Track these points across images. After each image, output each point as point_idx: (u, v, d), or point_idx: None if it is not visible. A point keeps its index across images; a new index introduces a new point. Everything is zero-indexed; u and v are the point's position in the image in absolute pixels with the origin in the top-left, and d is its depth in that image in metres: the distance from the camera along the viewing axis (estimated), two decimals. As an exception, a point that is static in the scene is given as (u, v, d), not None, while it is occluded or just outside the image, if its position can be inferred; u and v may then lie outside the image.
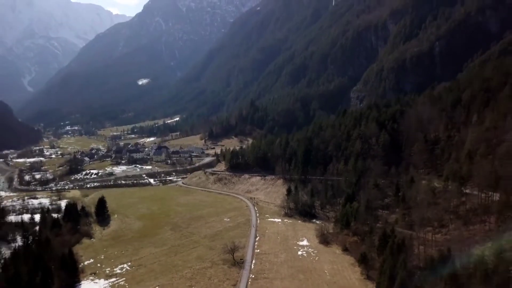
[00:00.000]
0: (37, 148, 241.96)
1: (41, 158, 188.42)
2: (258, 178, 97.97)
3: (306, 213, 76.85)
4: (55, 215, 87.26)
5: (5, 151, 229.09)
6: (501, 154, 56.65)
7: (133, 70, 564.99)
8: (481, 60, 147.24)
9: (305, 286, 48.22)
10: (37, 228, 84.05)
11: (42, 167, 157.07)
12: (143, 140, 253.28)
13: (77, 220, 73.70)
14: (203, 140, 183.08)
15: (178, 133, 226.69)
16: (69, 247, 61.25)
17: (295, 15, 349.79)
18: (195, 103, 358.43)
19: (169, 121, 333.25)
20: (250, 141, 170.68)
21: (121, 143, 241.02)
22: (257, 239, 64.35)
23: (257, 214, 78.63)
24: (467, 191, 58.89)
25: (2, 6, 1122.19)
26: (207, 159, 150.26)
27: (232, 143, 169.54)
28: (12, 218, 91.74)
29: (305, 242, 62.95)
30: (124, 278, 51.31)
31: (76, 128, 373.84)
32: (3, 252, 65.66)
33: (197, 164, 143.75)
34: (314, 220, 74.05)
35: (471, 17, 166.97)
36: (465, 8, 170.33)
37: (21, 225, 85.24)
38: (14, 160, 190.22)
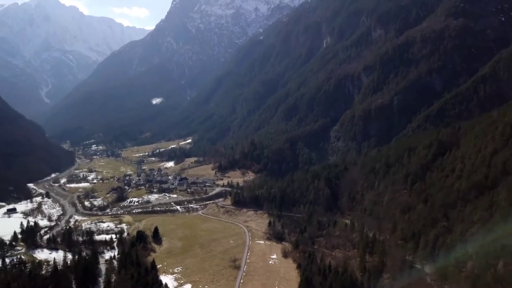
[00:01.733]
0: (78, 170, 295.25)
1: (87, 184, 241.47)
2: (252, 212, 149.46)
3: (279, 238, 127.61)
4: (126, 236, 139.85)
5: (53, 175, 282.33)
6: (375, 212, 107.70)
7: (147, 89, 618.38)
8: (424, 114, 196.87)
9: (269, 278, 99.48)
10: (115, 244, 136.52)
11: (94, 193, 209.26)
12: (163, 163, 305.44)
13: (145, 241, 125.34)
14: (214, 171, 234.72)
15: (193, 160, 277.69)
16: (147, 257, 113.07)
17: (292, 51, 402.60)
18: (205, 127, 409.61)
19: (182, 143, 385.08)
20: (250, 173, 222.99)
21: (145, 167, 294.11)
22: (248, 254, 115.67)
23: (250, 238, 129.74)
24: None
25: (21, 20, 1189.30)
26: (217, 189, 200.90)
27: (236, 175, 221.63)
28: (96, 237, 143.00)
29: (274, 256, 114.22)
30: (180, 274, 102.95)
31: (101, 147, 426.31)
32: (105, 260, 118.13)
33: (210, 194, 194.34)
34: (283, 242, 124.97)
35: (422, 78, 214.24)
36: (418, 70, 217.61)
37: (104, 242, 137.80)
38: (67, 185, 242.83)
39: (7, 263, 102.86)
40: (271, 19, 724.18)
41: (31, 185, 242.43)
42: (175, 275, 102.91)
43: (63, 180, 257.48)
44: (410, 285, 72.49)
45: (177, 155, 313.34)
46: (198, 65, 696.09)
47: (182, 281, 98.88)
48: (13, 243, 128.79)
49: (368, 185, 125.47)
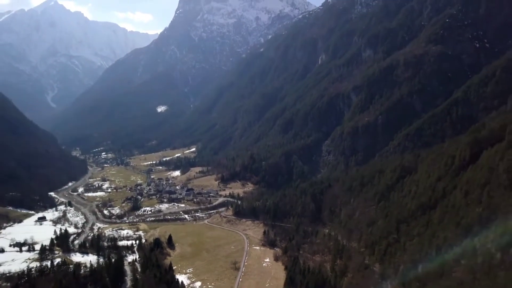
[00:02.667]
0: (92, 179, 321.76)
1: (103, 193, 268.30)
2: (250, 222, 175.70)
3: (272, 244, 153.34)
4: (144, 242, 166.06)
5: (70, 184, 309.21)
6: (349, 224, 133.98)
7: (152, 97, 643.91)
8: (404, 133, 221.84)
9: (262, 278, 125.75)
10: (135, 249, 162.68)
11: (111, 202, 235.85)
12: (170, 173, 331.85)
13: (161, 246, 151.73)
14: (217, 182, 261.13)
15: (198, 170, 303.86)
16: (164, 260, 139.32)
17: (290, 66, 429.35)
18: (208, 136, 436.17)
19: (187, 152, 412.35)
20: (250, 184, 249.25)
21: (153, 176, 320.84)
22: (246, 258, 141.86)
23: (248, 244, 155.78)
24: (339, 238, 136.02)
25: (28, 26, 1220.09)
26: (220, 199, 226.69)
27: (237, 186, 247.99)
28: (118, 243, 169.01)
29: (267, 260, 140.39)
30: (192, 274, 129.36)
31: (110, 155, 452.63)
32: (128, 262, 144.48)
33: (214, 204, 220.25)
34: (275, 248, 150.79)
35: (404, 99, 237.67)
36: (400, 92, 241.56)
37: (126, 247, 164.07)
38: (85, 194, 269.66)
39: (55, 265, 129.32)
40: (271, 28, 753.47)
41: (52, 194, 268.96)
42: (187, 274, 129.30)
43: (80, 189, 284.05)
44: (364, 281, 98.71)
45: (183, 165, 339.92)
46: (201, 74, 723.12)
47: (193, 280, 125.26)
48: (52, 247, 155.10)
49: (345, 201, 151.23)
